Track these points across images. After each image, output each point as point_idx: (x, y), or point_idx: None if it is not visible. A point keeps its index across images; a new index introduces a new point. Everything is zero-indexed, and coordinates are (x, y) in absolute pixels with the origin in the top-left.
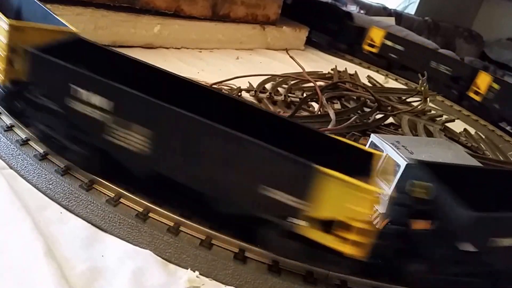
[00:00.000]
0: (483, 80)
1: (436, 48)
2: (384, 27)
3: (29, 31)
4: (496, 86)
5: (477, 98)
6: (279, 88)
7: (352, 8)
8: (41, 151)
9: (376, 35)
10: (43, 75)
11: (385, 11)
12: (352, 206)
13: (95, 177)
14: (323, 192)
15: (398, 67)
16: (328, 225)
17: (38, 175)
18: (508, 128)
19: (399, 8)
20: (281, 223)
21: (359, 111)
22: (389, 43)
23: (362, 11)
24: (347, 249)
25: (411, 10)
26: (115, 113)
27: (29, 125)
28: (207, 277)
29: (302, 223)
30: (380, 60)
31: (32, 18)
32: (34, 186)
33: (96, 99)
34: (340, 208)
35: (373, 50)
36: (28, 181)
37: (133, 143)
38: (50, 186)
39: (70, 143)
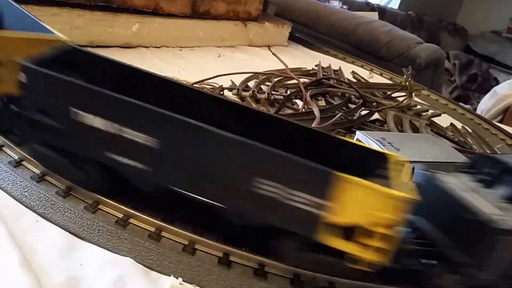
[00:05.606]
0: None
1: (420, 42)
2: (367, 22)
3: (15, 42)
4: None
5: None
6: (262, 86)
7: (335, 4)
8: (16, 157)
9: None
10: (43, 90)
11: (368, 6)
12: (377, 212)
13: (72, 183)
14: (344, 199)
15: None
16: (349, 232)
17: (13, 182)
18: None
19: (382, 3)
20: (299, 233)
21: (344, 108)
22: None
23: (344, 6)
24: (370, 256)
25: (394, 4)
26: None
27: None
28: (191, 283)
29: (321, 231)
30: None
31: (16, 26)
32: (9, 193)
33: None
34: (363, 214)
35: None
36: (2, 188)
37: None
38: (26, 193)
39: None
